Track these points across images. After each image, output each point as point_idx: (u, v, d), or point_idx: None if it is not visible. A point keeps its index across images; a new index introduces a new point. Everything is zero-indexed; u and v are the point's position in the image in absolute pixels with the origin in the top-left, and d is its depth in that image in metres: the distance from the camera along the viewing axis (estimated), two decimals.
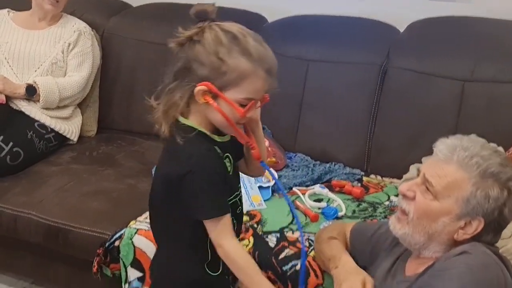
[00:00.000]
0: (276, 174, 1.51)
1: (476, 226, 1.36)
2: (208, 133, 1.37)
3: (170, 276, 1.46)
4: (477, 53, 2.32)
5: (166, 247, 1.49)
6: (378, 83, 2.43)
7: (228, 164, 1.41)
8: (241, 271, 1.37)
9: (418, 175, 1.45)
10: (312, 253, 1.84)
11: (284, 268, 1.81)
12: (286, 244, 1.89)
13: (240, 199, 1.48)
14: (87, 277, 2.12)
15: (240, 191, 1.49)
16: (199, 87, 1.30)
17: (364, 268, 1.58)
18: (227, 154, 1.41)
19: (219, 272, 1.44)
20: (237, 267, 1.36)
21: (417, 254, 1.47)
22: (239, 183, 1.50)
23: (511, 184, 1.36)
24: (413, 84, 2.37)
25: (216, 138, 1.38)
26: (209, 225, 1.35)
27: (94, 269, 2.07)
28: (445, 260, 1.36)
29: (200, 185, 1.31)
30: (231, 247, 1.35)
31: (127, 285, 2.04)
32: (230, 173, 1.42)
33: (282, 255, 1.85)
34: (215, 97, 1.31)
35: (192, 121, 1.35)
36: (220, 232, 1.34)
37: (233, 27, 1.32)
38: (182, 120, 1.35)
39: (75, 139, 2.75)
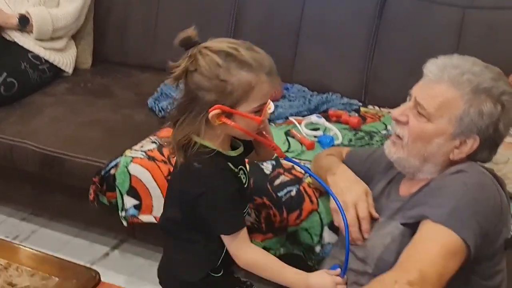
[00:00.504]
0: (303, 166, 1.55)
1: (472, 144, 1.34)
2: (223, 152, 1.37)
3: (174, 277, 1.49)
4: None
5: (174, 252, 1.50)
6: (377, 11, 2.38)
7: (243, 176, 1.43)
8: (265, 272, 1.38)
9: (409, 99, 1.42)
10: (307, 179, 1.85)
11: (279, 194, 1.82)
12: (281, 171, 1.89)
13: (247, 210, 1.53)
14: (85, 206, 2.13)
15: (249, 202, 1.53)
16: (213, 112, 1.29)
17: None
18: (241, 167, 1.42)
19: (220, 274, 1.46)
20: (260, 270, 1.38)
21: (411, 177, 1.46)
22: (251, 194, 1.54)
23: (505, 99, 1.33)
24: (413, 12, 2.33)
25: (232, 153, 1.40)
26: (226, 239, 1.37)
27: (91, 197, 2.08)
28: (441, 179, 1.35)
29: (217, 203, 1.34)
30: (249, 255, 1.38)
31: (123, 212, 2.06)
32: (245, 185, 1.44)
33: (277, 182, 1.85)
34: (229, 115, 1.31)
35: (208, 142, 1.36)
36: (237, 245, 1.37)
37: (222, 44, 1.30)
38: (199, 141, 1.35)
39: (70, 71, 2.72)
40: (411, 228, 1.31)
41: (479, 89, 1.32)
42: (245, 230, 1.38)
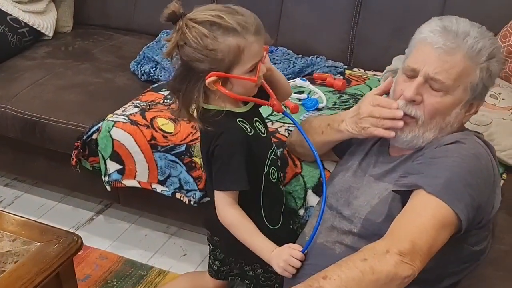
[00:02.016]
0: (295, 121, 1.55)
1: (477, 105, 1.37)
2: (233, 109, 1.45)
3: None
4: None
5: None
6: None
7: (261, 126, 1.51)
8: (239, 234, 1.46)
9: (408, 75, 1.34)
10: None
11: None
12: None
13: (276, 153, 1.58)
14: (68, 171, 2.11)
15: (274, 147, 1.58)
16: (209, 80, 1.36)
17: (349, 148, 1.57)
18: (256, 119, 1.50)
19: (279, 225, 1.55)
20: (234, 231, 1.46)
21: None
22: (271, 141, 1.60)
23: (501, 56, 1.36)
24: None
25: (242, 109, 1.47)
26: (216, 194, 1.47)
27: (73, 162, 2.05)
28: (437, 147, 1.33)
29: (221, 160, 1.42)
30: (228, 216, 1.46)
31: (107, 177, 2.04)
32: (264, 135, 1.52)
33: None
34: (226, 79, 1.38)
35: (215, 105, 1.44)
36: (223, 203, 1.45)
37: (206, 13, 1.35)
38: (207, 106, 1.44)
39: (50, 35, 2.67)
40: (402, 194, 1.31)
41: (490, 54, 1.32)
42: (236, 193, 1.45)
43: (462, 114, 1.36)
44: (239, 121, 1.45)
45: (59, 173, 2.27)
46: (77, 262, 2.11)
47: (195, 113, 1.47)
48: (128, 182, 2.03)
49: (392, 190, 1.33)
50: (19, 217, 1.61)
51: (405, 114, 1.35)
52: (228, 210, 1.45)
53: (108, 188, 2.06)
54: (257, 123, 1.51)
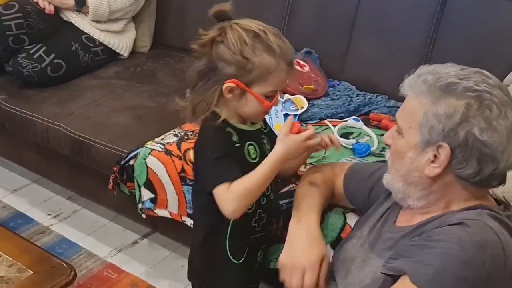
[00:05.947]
0: None
1: (444, 154, 1.13)
2: (232, 122, 1.41)
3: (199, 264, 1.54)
4: None
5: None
6: (439, 5, 2.12)
7: (252, 151, 1.44)
8: (254, 195, 1.37)
9: None
10: None
11: (280, 202, 1.68)
12: (293, 179, 1.73)
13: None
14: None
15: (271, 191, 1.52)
16: (227, 84, 1.35)
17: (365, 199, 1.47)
18: (251, 142, 1.44)
19: (241, 261, 1.48)
20: (249, 200, 1.37)
21: (406, 206, 1.28)
22: None
23: (471, 95, 1.10)
24: (477, 8, 2.06)
25: (241, 126, 1.43)
26: (215, 195, 1.37)
27: (110, 186, 2.05)
28: (438, 227, 1.15)
29: (204, 160, 1.40)
30: (230, 206, 1.36)
31: (140, 204, 2.01)
32: (255, 161, 1.42)
33: (285, 189, 1.71)
34: (242, 93, 1.36)
35: (218, 109, 1.41)
36: (220, 198, 1.36)
37: (253, 24, 1.35)
38: (213, 108, 1.40)
39: (126, 54, 2.71)
40: (393, 277, 1.15)
41: (435, 87, 1.13)
42: (224, 184, 1.34)
43: (420, 162, 1.16)
44: (228, 128, 1.40)
45: (107, 194, 2.28)
46: (109, 285, 2.11)
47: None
48: (160, 212, 1.99)
49: (381, 272, 1.17)
50: (24, 240, 1.61)
51: None
52: (230, 202, 1.34)
53: (143, 216, 2.04)
54: (250, 146, 1.43)
